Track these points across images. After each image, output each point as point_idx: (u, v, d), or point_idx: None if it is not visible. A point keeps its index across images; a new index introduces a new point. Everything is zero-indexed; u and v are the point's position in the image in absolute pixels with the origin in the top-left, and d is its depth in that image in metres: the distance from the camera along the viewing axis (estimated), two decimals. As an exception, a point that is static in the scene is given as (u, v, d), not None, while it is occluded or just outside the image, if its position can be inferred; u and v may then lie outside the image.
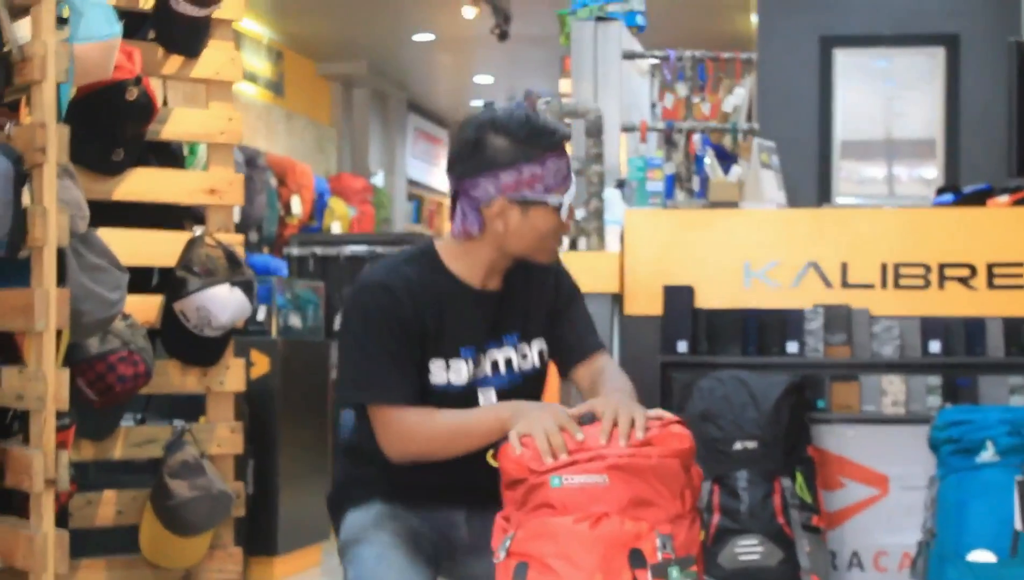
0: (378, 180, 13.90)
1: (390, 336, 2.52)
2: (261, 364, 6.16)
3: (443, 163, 15.97)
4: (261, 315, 6.40)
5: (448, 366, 2.59)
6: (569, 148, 2.61)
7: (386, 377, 2.52)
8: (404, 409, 2.52)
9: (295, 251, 8.37)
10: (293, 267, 8.33)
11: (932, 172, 7.77)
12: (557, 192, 2.56)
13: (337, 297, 8.09)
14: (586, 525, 2.28)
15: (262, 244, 9.75)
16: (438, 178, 16.98)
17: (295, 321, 6.70)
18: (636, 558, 2.27)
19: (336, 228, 10.73)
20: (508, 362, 2.64)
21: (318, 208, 10.78)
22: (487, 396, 2.61)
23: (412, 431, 2.52)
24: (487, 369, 2.63)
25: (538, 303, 2.70)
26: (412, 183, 15.86)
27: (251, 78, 11.49)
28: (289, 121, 12.16)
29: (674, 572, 2.29)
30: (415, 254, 2.63)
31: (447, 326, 2.58)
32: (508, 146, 2.53)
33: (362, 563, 2.55)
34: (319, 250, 8.30)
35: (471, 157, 2.55)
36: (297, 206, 10.25)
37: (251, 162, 9.05)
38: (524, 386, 2.66)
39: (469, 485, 2.59)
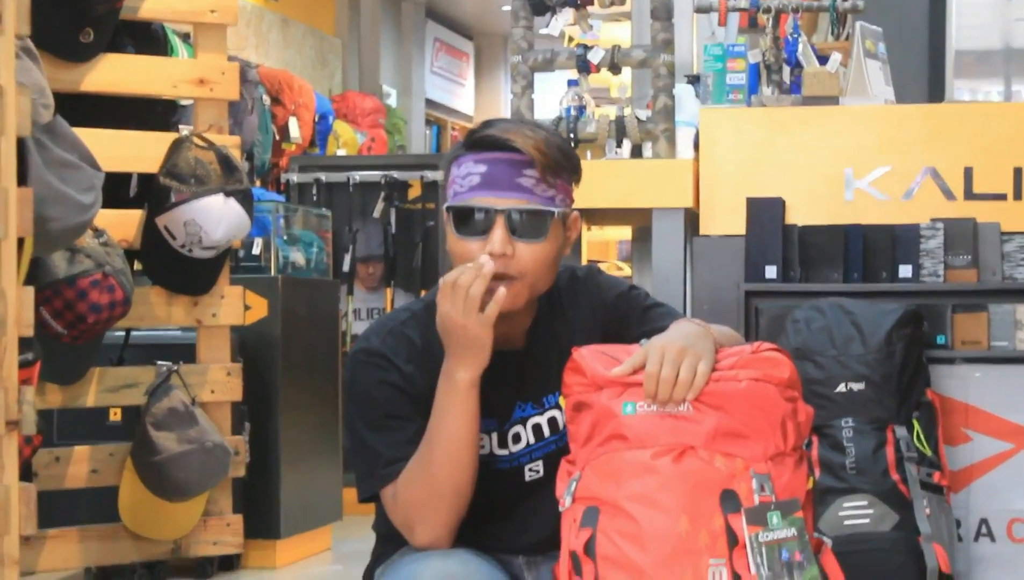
0: (391, 100, 13.88)
1: (382, 412, 2.50)
2: (258, 307, 6.12)
3: (468, 81, 15.85)
4: (256, 248, 6.37)
5: None
6: (533, 151, 2.44)
7: (377, 463, 2.51)
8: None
9: (295, 177, 8.37)
10: (293, 197, 8.32)
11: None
12: (459, 200, 2.47)
13: (346, 232, 8.09)
14: (667, 460, 2.26)
15: (254, 175, 9.74)
16: (462, 99, 16.94)
17: (298, 256, 6.67)
18: (729, 500, 2.24)
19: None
20: (552, 421, 2.60)
21: (320, 133, 10.76)
22: (535, 468, 2.59)
23: (401, 498, 2.49)
24: (528, 437, 2.60)
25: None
26: (431, 104, 15.84)
27: (239, -25, 11.47)
28: (285, 29, 12.12)
29: (774, 518, 2.26)
30: (421, 311, 2.58)
31: None
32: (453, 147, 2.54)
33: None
34: (324, 176, 8.30)
35: None
36: (295, 130, 10.23)
37: (240, 75, 9.02)
38: None
39: (524, 538, 2.59)
